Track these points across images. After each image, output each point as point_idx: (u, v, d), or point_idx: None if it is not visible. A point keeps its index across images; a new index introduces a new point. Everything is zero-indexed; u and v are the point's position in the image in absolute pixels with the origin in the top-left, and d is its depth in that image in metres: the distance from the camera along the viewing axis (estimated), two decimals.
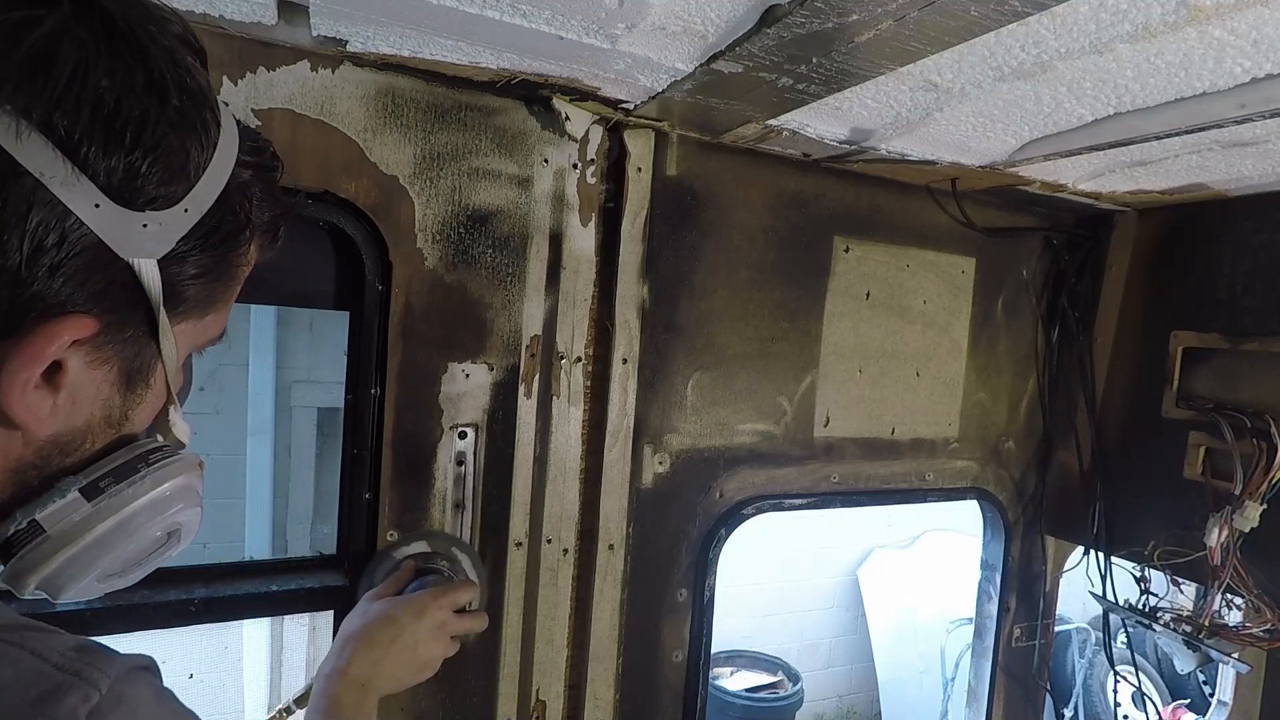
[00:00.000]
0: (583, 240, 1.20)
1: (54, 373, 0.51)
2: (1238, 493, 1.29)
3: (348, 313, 1.12)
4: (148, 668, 0.54)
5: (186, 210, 0.53)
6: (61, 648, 0.49)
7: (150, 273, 0.52)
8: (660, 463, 1.30)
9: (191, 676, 3.50)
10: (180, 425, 0.65)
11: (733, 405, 1.36)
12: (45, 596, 0.58)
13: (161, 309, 0.54)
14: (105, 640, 0.54)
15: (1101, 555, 1.59)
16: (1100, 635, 3.50)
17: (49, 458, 0.55)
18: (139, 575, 0.65)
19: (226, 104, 0.58)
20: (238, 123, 0.59)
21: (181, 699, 0.56)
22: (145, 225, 0.50)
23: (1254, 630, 1.35)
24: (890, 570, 4.85)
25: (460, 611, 1.03)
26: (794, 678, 4.39)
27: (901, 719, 4.55)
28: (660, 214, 1.25)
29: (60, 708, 0.45)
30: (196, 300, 0.58)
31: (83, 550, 0.56)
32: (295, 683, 3.40)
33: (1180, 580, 1.45)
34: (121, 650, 0.53)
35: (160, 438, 0.63)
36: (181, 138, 0.52)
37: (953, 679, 4.18)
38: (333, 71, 1.00)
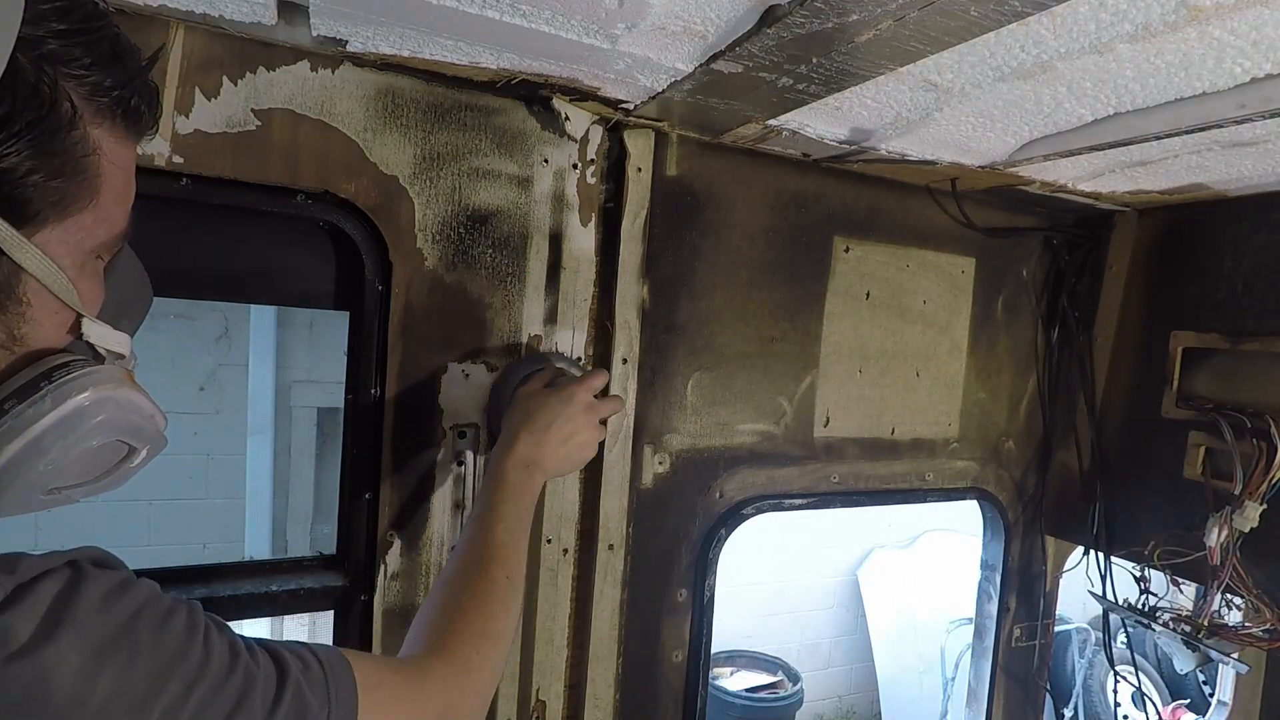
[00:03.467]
0: (583, 240, 1.20)
1: None
2: (1238, 493, 1.29)
3: (348, 313, 1.12)
4: (79, 562, 0.53)
5: None
6: None
7: None
8: (660, 463, 1.30)
9: None
10: (109, 336, 0.63)
11: (733, 405, 1.36)
12: None
13: None
14: None
15: (1101, 555, 1.59)
16: (1100, 635, 3.50)
17: None
18: (114, 484, 0.64)
19: None
20: None
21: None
22: None
23: (1254, 630, 1.35)
24: (890, 570, 4.85)
25: (599, 397, 1.09)
26: (794, 678, 4.39)
27: (901, 719, 4.55)
28: (660, 214, 1.25)
29: None
30: (45, 201, 0.53)
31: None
32: None
33: (1180, 580, 1.44)
34: None
35: (104, 351, 0.61)
36: None
37: (953, 679, 4.18)
38: (333, 71, 1.00)
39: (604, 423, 1.11)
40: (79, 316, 0.60)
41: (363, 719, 0.67)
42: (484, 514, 0.95)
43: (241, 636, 0.62)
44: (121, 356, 0.65)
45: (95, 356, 0.62)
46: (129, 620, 0.53)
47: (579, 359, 1.22)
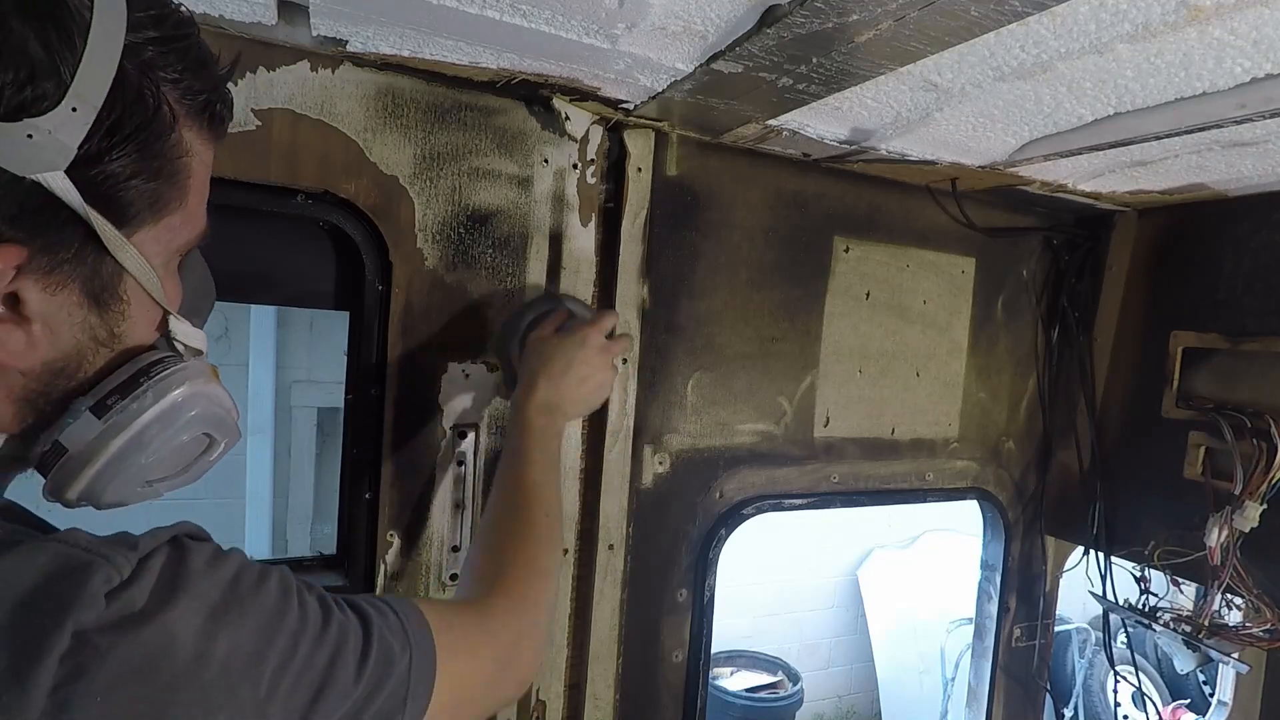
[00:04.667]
0: (583, 240, 1.20)
1: (14, 305, 0.52)
2: (1238, 493, 1.29)
3: (348, 313, 1.12)
4: (179, 537, 0.55)
5: (75, 110, 0.48)
6: (91, 537, 0.51)
7: (61, 185, 0.49)
8: (660, 463, 1.30)
9: None
10: (191, 333, 0.65)
11: (733, 405, 1.36)
12: (89, 505, 0.62)
13: (100, 219, 0.52)
14: None
15: (1101, 555, 1.59)
16: (1100, 635, 3.50)
17: (52, 384, 0.57)
18: (193, 477, 0.68)
19: None
20: None
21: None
22: (31, 135, 0.47)
23: (1254, 630, 1.35)
24: (890, 570, 4.85)
25: (609, 338, 1.12)
26: (794, 678, 4.39)
27: (901, 719, 4.55)
28: (660, 214, 1.25)
29: (85, 587, 0.47)
30: (143, 204, 0.55)
31: (106, 464, 0.59)
32: None
33: (1180, 580, 1.44)
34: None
35: (181, 347, 0.64)
36: (27, 26, 0.46)
37: (953, 679, 4.18)
38: (333, 71, 1.00)
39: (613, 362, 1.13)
40: (166, 314, 0.62)
41: (440, 659, 0.69)
42: (513, 460, 0.98)
43: (327, 592, 0.64)
44: (200, 353, 0.67)
45: (176, 353, 0.64)
46: (231, 583, 0.55)
47: (588, 301, 1.22)
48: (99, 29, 0.49)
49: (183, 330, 0.64)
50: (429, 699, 0.67)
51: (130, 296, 0.58)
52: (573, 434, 1.23)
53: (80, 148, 0.49)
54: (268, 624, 0.55)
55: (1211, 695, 1.85)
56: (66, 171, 0.49)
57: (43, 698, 0.44)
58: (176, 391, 0.61)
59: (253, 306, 3.84)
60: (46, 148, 0.48)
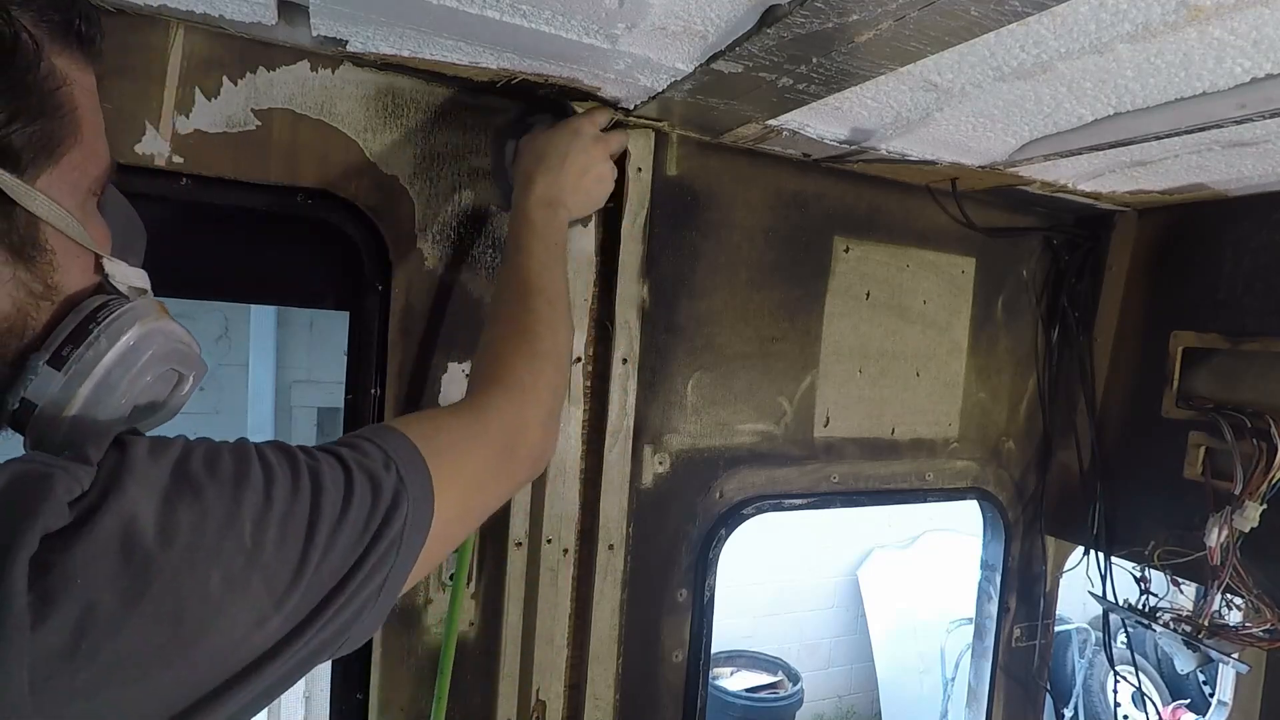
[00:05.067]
0: (582, 240, 1.20)
1: None
2: (1238, 493, 1.29)
3: (348, 313, 1.12)
4: (121, 436, 0.54)
5: None
6: (49, 455, 0.50)
7: None
8: (660, 463, 1.30)
9: None
10: (130, 273, 0.64)
11: (733, 405, 1.35)
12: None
13: None
14: None
15: (1101, 555, 1.59)
16: (1100, 635, 3.50)
17: (3, 345, 0.56)
18: (170, 413, 0.68)
19: None
20: None
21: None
22: None
23: (1254, 630, 1.35)
24: (890, 570, 4.85)
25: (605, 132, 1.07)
26: (794, 678, 4.39)
27: (901, 719, 4.55)
28: (660, 214, 1.25)
29: (49, 497, 0.46)
30: (35, 146, 0.53)
31: (79, 414, 0.59)
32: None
33: (1180, 580, 1.44)
34: None
35: (125, 288, 0.63)
36: None
37: (953, 679, 4.18)
38: (333, 71, 1.00)
39: (615, 161, 1.08)
40: (98, 257, 0.62)
41: (432, 465, 0.67)
42: (513, 255, 0.94)
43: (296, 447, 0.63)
44: (145, 291, 0.66)
45: (120, 295, 0.63)
46: (178, 463, 0.54)
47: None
48: None
49: (120, 271, 0.63)
50: (433, 506, 0.65)
51: (53, 245, 0.57)
52: (573, 434, 1.23)
53: None
54: (232, 489, 0.54)
55: (1211, 695, 1.85)
56: None
57: (22, 596, 0.43)
58: (130, 333, 0.61)
59: (253, 306, 3.84)
60: None
